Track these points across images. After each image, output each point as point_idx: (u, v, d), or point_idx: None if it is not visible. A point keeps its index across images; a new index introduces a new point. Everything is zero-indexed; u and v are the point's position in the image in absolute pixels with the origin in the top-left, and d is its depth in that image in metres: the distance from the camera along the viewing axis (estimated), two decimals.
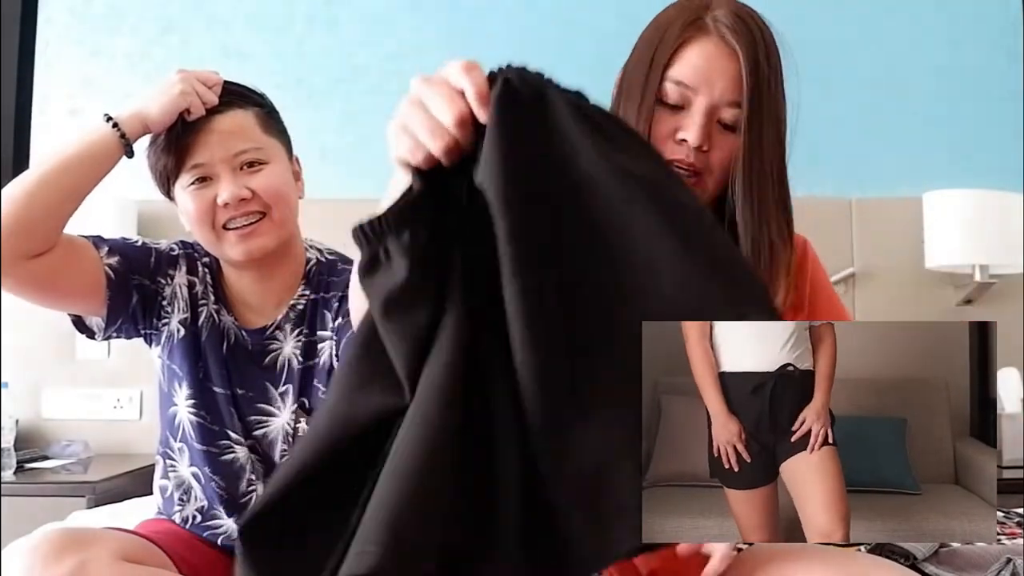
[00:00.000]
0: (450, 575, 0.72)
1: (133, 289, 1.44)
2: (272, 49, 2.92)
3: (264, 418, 1.46)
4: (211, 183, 1.40)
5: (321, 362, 1.45)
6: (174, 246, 1.53)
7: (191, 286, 1.48)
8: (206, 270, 1.51)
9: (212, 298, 1.48)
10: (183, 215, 1.45)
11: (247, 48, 2.92)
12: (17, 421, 2.55)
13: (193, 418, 1.47)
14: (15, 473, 2.39)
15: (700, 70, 1.14)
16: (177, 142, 1.39)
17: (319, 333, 1.46)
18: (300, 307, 1.48)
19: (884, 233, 2.82)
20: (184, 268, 1.49)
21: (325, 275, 1.50)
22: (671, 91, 1.14)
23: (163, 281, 1.47)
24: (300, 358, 1.46)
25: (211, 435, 1.46)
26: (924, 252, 2.72)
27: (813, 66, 2.91)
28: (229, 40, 2.92)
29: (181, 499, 1.50)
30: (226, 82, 1.46)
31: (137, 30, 2.93)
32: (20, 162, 2.90)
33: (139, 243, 1.51)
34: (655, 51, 1.19)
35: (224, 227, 1.40)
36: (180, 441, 1.50)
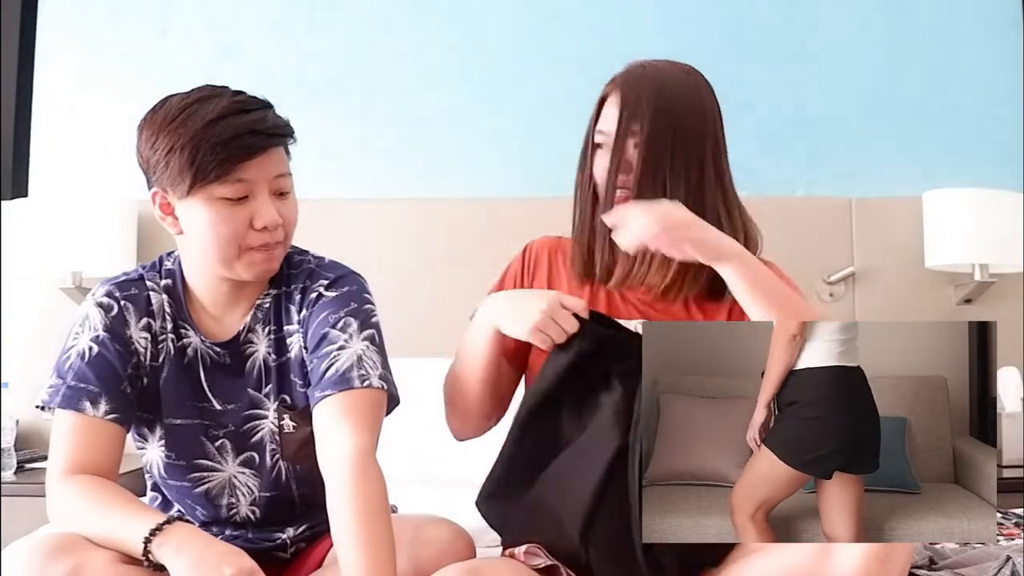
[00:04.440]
0: None
1: (130, 398, 1.40)
2: (272, 49, 2.92)
3: (257, 423, 1.45)
4: (245, 203, 1.34)
5: (293, 356, 1.44)
6: (109, 302, 1.42)
7: (147, 328, 1.42)
8: (164, 296, 1.44)
9: (172, 325, 1.44)
10: (201, 225, 1.35)
11: (247, 48, 2.92)
12: (17, 421, 2.56)
13: (166, 460, 1.46)
14: (15, 473, 2.39)
15: (608, 118, 1.44)
16: (226, 149, 1.30)
17: (286, 328, 1.45)
18: (266, 305, 1.45)
19: (884, 233, 2.82)
20: (134, 317, 1.42)
21: (284, 269, 1.47)
22: (599, 139, 1.45)
23: (132, 351, 1.41)
24: (274, 356, 1.44)
25: (180, 470, 1.45)
26: (924, 252, 2.72)
27: (813, 66, 2.92)
28: (229, 40, 2.92)
29: (176, 512, 1.50)
30: (270, 107, 1.39)
31: (137, 30, 2.94)
32: (20, 162, 2.91)
33: (95, 351, 1.39)
34: (593, 113, 1.48)
35: (248, 247, 1.37)
36: (152, 487, 1.51)
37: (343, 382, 1.35)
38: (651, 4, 2.93)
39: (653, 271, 1.44)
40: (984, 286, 2.69)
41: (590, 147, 1.47)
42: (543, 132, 2.87)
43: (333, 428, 1.33)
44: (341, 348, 1.37)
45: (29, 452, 2.56)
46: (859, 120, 2.91)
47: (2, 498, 2.19)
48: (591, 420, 1.33)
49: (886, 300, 2.80)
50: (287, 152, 1.41)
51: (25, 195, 2.87)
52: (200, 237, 1.36)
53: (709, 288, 1.45)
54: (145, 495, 1.54)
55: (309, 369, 1.41)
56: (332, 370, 1.36)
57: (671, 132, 1.40)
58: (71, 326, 1.44)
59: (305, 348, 1.42)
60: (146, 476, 1.53)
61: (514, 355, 1.49)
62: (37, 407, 1.40)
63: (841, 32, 2.93)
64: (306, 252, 1.51)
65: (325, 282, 1.44)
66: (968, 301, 2.77)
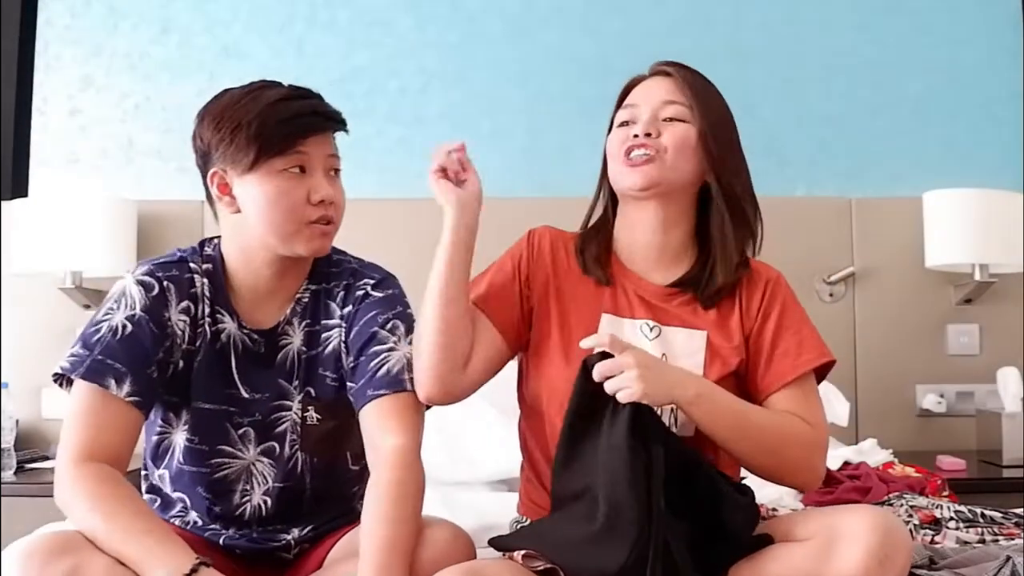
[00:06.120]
0: None
1: (154, 383, 1.40)
2: (272, 49, 2.92)
3: (282, 414, 1.47)
4: (303, 178, 1.40)
5: (327, 351, 1.47)
6: (150, 281, 1.42)
7: (187, 311, 1.43)
8: (205, 280, 1.45)
9: (210, 309, 1.45)
10: (261, 200, 1.39)
11: (247, 48, 2.92)
12: (17, 421, 2.56)
13: (187, 444, 1.45)
14: (15, 473, 2.39)
15: (640, 94, 1.50)
16: (289, 125, 1.39)
17: (323, 322, 1.48)
18: (305, 300, 1.49)
19: (884, 233, 2.82)
20: (175, 298, 1.42)
21: (324, 266, 1.51)
22: (623, 115, 1.49)
23: (167, 334, 1.41)
24: (305, 348, 1.48)
25: (202, 456, 1.45)
26: (924, 252, 2.72)
27: (813, 66, 2.92)
28: (229, 40, 2.92)
29: (179, 512, 1.51)
30: (315, 95, 1.48)
31: (137, 30, 2.94)
32: (20, 162, 2.91)
33: (128, 330, 1.38)
34: (614, 107, 1.54)
35: (307, 221, 1.41)
36: (164, 468, 1.49)
37: (396, 384, 1.40)
38: (651, 5, 2.93)
39: (662, 272, 1.48)
40: (984, 286, 2.69)
41: (609, 136, 1.50)
42: (543, 132, 2.87)
43: (386, 427, 1.38)
44: (391, 350, 1.42)
45: (29, 452, 2.56)
46: (859, 120, 2.91)
47: (2, 498, 2.19)
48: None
49: (886, 300, 2.80)
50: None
51: (25, 195, 2.87)
52: (260, 212, 1.40)
53: (717, 288, 1.46)
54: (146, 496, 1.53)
55: (351, 364, 1.44)
56: (384, 370, 1.40)
57: (713, 114, 1.46)
58: (104, 300, 1.44)
59: (345, 343, 1.46)
60: (142, 476, 1.52)
61: (497, 308, 1.47)
62: (55, 375, 1.38)
63: (841, 32, 2.93)
64: (344, 252, 1.54)
65: (372, 282, 1.48)
66: (968, 301, 2.77)
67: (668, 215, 1.47)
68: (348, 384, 1.45)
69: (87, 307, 2.74)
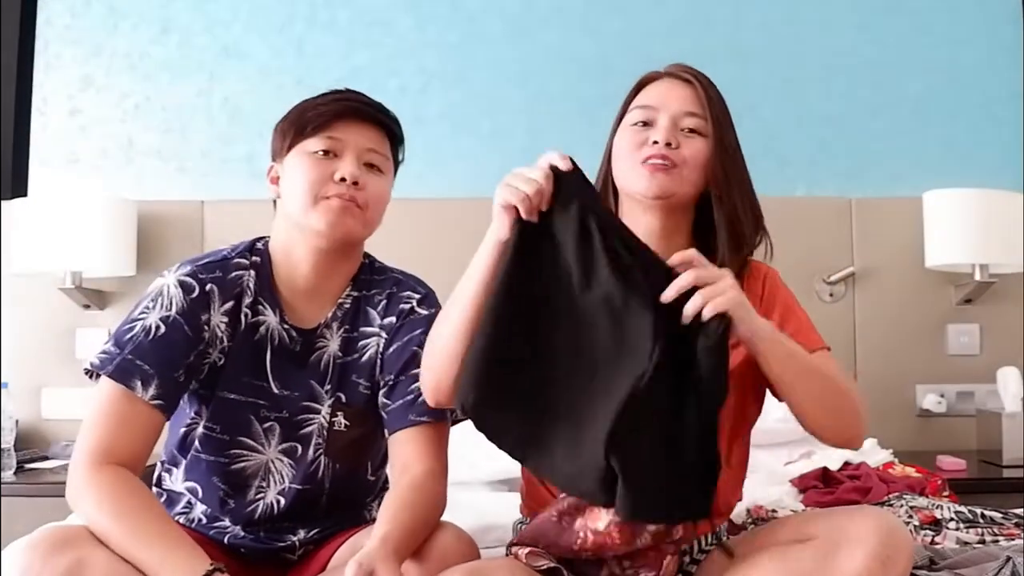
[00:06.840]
0: None
1: (181, 387, 1.41)
2: (272, 49, 2.92)
3: (311, 416, 1.47)
4: (333, 160, 1.43)
5: (364, 358, 1.48)
6: (191, 283, 1.41)
7: (228, 312, 1.43)
8: (252, 272, 1.46)
9: (252, 300, 1.45)
10: (291, 177, 1.44)
11: (247, 48, 2.91)
12: (17, 421, 2.56)
13: (205, 432, 1.45)
14: (15, 473, 2.39)
15: (659, 95, 1.46)
16: (327, 107, 1.45)
17: (362, 329, 1.49)
18: (346, 305, 1.50)
19: (884, 233, 2.82)
20: (218, 300, 1.42)
21: (368, 275, 1.53)
22: (639, 114, 1.44)
23: (203, 337, 1.41)
24: (340, 354, 1.48)
25: (221, 445, 1.45)
26: (924, 252, 2.72)
27: (813, 66, 2.93)
28: (229, 40, 2.92)
29: (183, 508, 1.51)
30: (368, 99, 1.50)
31: (137, 30, 2.94)
32: (20, 162, 2.91)
33: (162, 331, 1.37)
34: (625, 100, 1.50)
35: (324, 196, 1.43)
36: (184, 457, 1.49)
37: (439, 414, 1.43)
38: (651, 5, 2.93)
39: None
40: (984, 286, 2.70)
41: (619, 131, 1.47)
42: (543, 132, 2.86)
43: (424, 452, 1.41)
44: None
45: (29, 452, 2.56)
46: (859, 120, 2.91)
47: (2, 498, 2.19)
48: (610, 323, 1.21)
49: (886, 300, 2.80)
50: (396, 157, 1.52)
51: (25, 195, 2.87)
52: (289, 188, 1.44)
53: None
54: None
55: (389, 380, 1.45)
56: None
57: (726, 128, 1.44)
58: (142, 296, 1.44)
59: (381, 355, 1.47)
60: (163, 458, 1.53)
61: None
62: (85, 370, 1.38)
63: (841, 32, 2.93)
64: (382, 263, 1.57)
65: (417, 296, 1.51)
66: (968, 301, 2.78)
67: (668, 223, 1.47)
68: (382, 400, 1.46)
69: (87, 307, 2.74)
